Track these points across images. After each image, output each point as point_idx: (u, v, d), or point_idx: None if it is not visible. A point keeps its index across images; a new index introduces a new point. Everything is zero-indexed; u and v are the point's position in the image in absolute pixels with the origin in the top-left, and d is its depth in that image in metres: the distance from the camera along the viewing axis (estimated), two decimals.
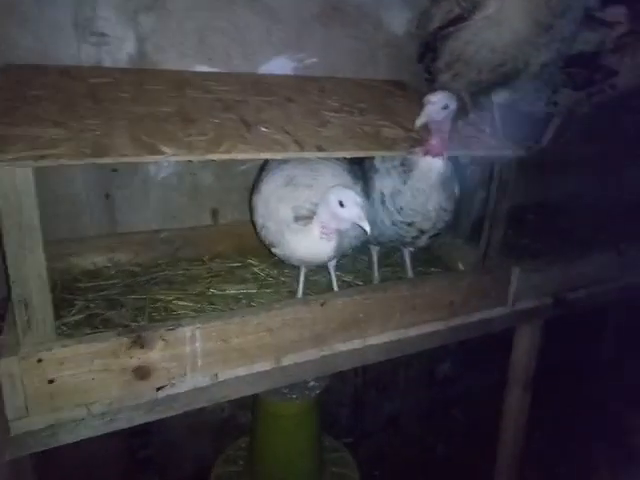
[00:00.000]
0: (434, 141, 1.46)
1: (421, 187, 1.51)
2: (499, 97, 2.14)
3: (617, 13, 2.02)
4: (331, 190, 1.34)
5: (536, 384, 2.07)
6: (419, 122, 1.42)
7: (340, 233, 1.40)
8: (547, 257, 1.96)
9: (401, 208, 1.54)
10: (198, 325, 1.23)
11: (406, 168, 1.53)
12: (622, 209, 2.74)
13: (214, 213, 2.02)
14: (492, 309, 1.76)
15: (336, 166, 1.53)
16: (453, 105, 1.45)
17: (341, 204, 1.31)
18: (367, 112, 1.72)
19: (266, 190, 1.53)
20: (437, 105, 1.41)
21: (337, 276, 1.67)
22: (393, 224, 1.58)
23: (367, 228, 1.30)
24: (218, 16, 1.82)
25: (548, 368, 2.16)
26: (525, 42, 1.75)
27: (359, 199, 1.32)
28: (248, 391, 1.38)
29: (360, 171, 1.64)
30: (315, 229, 1.38)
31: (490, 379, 3.04)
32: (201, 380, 1.28)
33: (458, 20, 1.75)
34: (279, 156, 1.33)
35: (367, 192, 1.58)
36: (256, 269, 1.80)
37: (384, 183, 1.58)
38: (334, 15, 2.03)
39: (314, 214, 1.40)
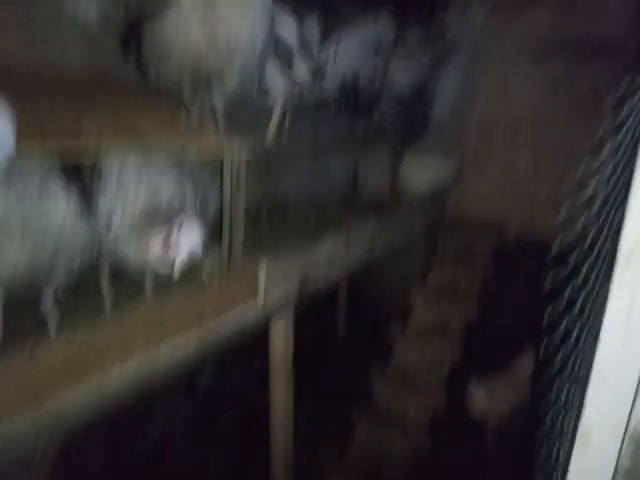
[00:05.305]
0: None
1: None
2: (219, 94, 2.05)
3: None
4: None
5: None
6: None
7: None
8: (287, 245, 2.02)
9: None
10: None
11: None
12: (339, 200, 3.04)
13: None
14: (246, 303, 1.72)
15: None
16: None
17: None
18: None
19: None
20: None
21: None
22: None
23: None
24: None
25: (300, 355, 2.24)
26: (196, 59, 1.65)
27: None
28: None
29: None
30: None
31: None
32: None
33: (151, 14, 1.60)
34: None
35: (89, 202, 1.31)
36: None
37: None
38: None
39: None
